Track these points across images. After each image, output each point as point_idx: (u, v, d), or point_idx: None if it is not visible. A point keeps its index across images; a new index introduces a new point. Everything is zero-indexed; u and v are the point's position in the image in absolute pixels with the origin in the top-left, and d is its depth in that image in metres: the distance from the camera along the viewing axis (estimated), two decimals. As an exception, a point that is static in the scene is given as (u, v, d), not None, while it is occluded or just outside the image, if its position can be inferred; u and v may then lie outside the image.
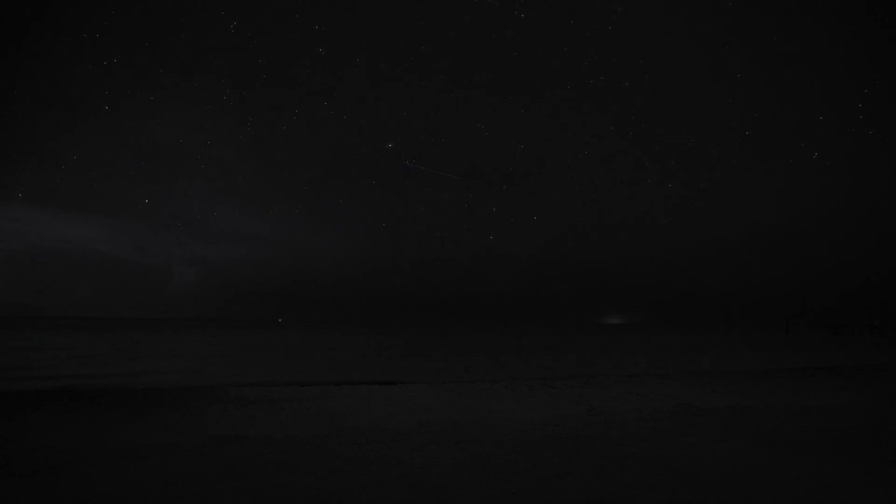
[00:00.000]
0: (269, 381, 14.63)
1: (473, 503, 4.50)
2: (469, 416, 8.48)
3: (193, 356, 25.97)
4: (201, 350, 31.00)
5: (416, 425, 7.68)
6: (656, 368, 19.95)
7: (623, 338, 58.54)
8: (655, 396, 10.60)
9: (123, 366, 20.33)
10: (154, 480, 5.04)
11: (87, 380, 15.19)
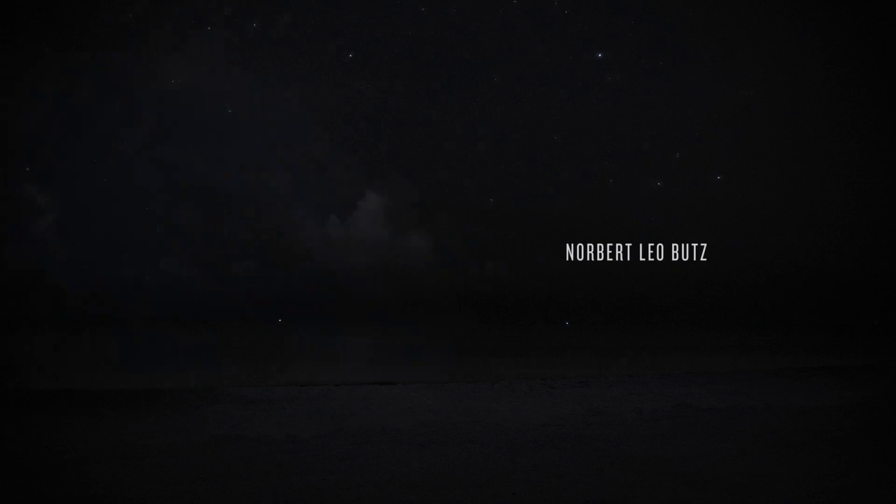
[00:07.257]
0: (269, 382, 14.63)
1: (473, 503, 4.50)
2: (469, 416, 8.48)
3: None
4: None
5: (416, 425, 7.68)
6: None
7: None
8: (655, 396, 10.60)
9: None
10: (153, 480, 5.04)
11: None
